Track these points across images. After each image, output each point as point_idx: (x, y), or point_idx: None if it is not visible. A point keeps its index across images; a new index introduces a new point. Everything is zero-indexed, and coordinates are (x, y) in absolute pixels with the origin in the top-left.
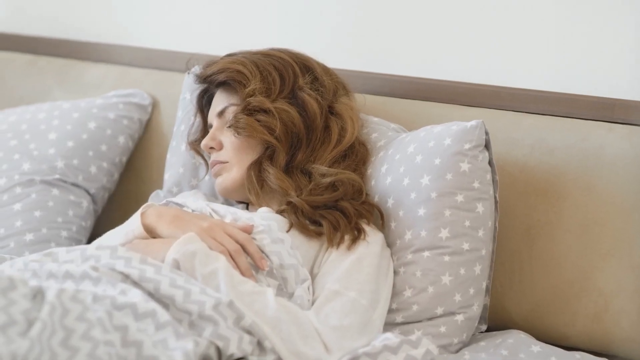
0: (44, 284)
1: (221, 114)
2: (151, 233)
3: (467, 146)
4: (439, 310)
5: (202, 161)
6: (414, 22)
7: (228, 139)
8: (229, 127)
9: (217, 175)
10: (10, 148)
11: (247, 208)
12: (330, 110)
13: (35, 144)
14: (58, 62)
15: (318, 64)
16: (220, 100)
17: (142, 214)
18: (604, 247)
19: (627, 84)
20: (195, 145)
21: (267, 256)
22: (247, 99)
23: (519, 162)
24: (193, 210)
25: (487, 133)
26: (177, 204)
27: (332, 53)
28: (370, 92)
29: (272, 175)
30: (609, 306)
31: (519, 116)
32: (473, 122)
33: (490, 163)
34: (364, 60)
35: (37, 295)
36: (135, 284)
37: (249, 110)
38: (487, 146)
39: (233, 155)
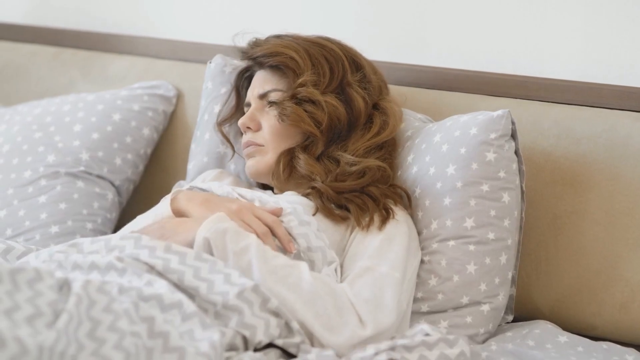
0: (69, 276)
1: (263, 96)
2: (180, 215)
3: (492, 135)
4: (465, 300)
5: (227, 143)
6: (439, 12)
7: (268, 122)
8: (277, 113)
9: (250, 156)
10: (35, 140)
11: (273, 192)
12: (375, 107)
13: (60, 136)
14: (82, 54)
15: (367, 61)
16: (263, 82)
17: (173, 199)
18: (631, 237)
19: None
20: (222, 126)
21: (295, 239)
22: (298, 89)
23: (545, 152)
24: (219, 196)
25: (513, 122)
26: (201, 189)
27: (357, 43)
28: (396, 83)
29: (303, 161)
30: (636, 296)
31: (545, 106)
32: (499, 112)
33: (516, 153)
34: (389, 50)
35: (64, 286)
36: (161, 274)
37: (297, 99)
38: (513, 136)
39: (271, 139)
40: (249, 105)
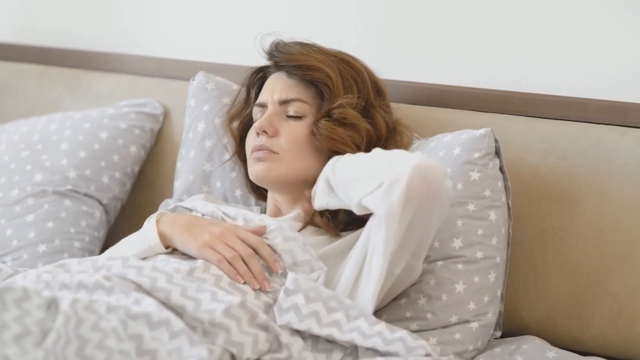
0: (57, 294)
1: (284, 102)
2: (166, 240)
3: (476, 155)
4: (454, 319)
5: (233, 143)
6: (426, 28)
7: (290, 133)
8: (312, 132)
9: (260, 160)
10: (23, 159)
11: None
12: (391, 130)
13: (47, 155)
14: (69, 73)
15: (383, 84)
16: (287, 88)
17: (157, 221)
18: (619, 252)
19: None
20: (230, 124)
21: (280, 255)
22: (335, 109)
23: (532, 167)
24: (204, 215)
25: (496, 140)
26: (186, 208)
27: None
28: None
29: None
30: (624, 311)
31: (532, 121)
32: (482, 131)
33: (501, 170)
34: (375, 66)
35: (51, 305)
36: (148, 292)
37: (332, 119)
38: (497, 153)
39: (289, 150)
40: (262, 105)
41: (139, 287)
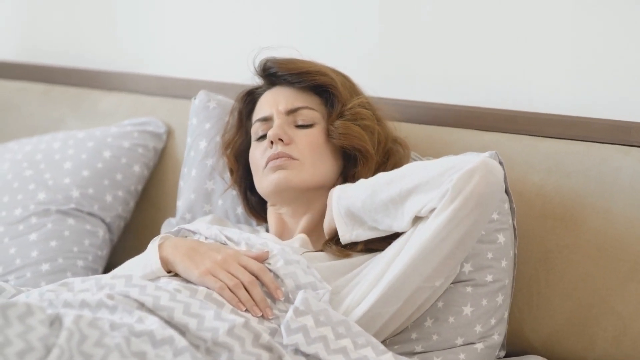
0: (61, 311)
1: (292, 112)
2: (168, 265)
3: None
4: (459, 341)
5: (233, 170)
6: (428, 47)
7: (302, 139)
8: (328, 134)
9: (280, 168)
10: (26, 178)
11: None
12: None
13: (50, 174)
14: (72, 91)
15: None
16: (292, 98)
17: (160, 245)
18: (622, 271)
19: None
20: (226, 151)
21: (282, 279)
22: (346, 110)
23: (535, 186)
24: (207, 238)
25: (501, 163)
26: (189, 230)
27: None
28: (385, 118)
29: None
30: (628, 330)
31: (535, 140)
32: (487, 154)
33: (506, 192)
34: (378, 85)
35: (55, 321)
36: (151, 311)
37: (345, 118)
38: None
39: (309, 154)
40: (265, 120)
41: (142, 306)
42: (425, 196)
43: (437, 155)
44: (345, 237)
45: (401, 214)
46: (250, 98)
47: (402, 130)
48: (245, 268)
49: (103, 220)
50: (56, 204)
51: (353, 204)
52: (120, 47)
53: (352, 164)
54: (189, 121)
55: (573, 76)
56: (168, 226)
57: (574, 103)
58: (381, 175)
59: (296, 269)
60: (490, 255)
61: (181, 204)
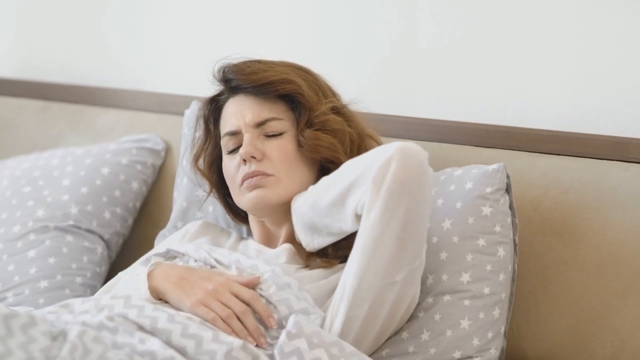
0: (65, 327)
1: (260, 124)
2: (158, 294)
3: (488, 190)
4: (457, 354)
5: (207, 182)
6: (426, 64)
7: (274, 150)
8: (299, 143)
9: (257, 187)
10: (24, 195)
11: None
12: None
13: (49, 191)
14: (70, 108)
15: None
16: (258, 109)
17: (149, 274)
18: (620, 287)
19: None
20: (197, 162)
21: (275, 306)
22: (315, 118)
23: (533, 202)
24: (196, 261)
25: (508, 176)
26: (178, 252)
27: (345, 95)
28: (384, 134)
29: None
30: (626, 346)
31: (533, 156)
32: (495, 166)
33: (510, 206)
34: (377, 101)
35: (59, 336)
36: (150, 333)
37: (314, 127)
38: (508, 189)
39: (282, 167)
40: (233, 134)
41: (141, 328)
42: (357, 193)
43: (436, 171)
44: (309, 247)
45: (344, 216)
46: (214, 106)
47: None
48: (237, 296)
49: (101, 237)
50: (55, 220)
51: (305, 214)
52: (118, 64)
53: (327, 168)
54: (182, 131)
55: (571, 92)
56: (161, 238)
57: (572, 119)
58: (322, 180)
59: (289, 294)
60: (489, 267)
61: (174, 212)
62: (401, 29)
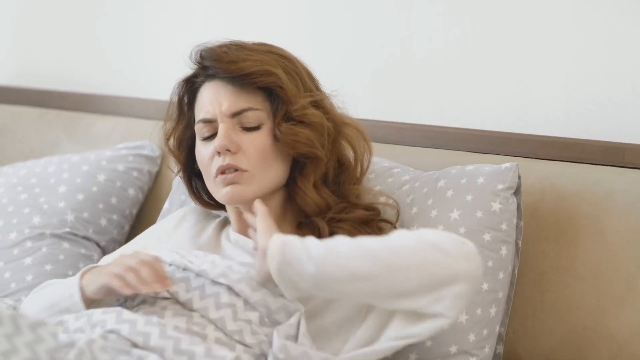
0: (74, 337)
1: (236, 114)
2: (85, 292)
3: (500, 187)
4: (453, 349)
5: (178, 163)
6: (422, 70)
7: (249, 144)
8: (275, 137)
9: (231, 183)
10: (21, 202)
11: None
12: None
13: (45, 198)
14: (66, 115)
15: (312, 70)
16: (235, 98)
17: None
18: (617, 293)
19: (637, 129)
20: (168, 141)
21: (255, 307)
22: (293, 111)
23: (529, 208)
24: (170, 265)
25: (519, 177)
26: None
27: (340, 101)
28: (380, 141)
29: (309, 194)
30: (622, 352)
31: (529, 162)
32: (507, 164)
33: (518, 208)
34: (374, 108)
35: (67, 345)
36: (145, 349)
37: (293, 120)
38: (517, 191)
39: (257, 163)
40: (208, 121)
41: (135, 345)
42: (409, 303)
43: (429, 176)
44: (291, 297)
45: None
46: (189, 86)
47: (397, 152)
48: (141, 261)
49: (98, 244)
50: (51, 227)
51: (303, 282)
52: (115, 71)
53: (302, 163)
54: None
55: (566, 98)
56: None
57: (568, 125)
58: (342, 264)
59: (264, 295)
60: (490, 263)
61: (161, 215)
62: (398, 35)
